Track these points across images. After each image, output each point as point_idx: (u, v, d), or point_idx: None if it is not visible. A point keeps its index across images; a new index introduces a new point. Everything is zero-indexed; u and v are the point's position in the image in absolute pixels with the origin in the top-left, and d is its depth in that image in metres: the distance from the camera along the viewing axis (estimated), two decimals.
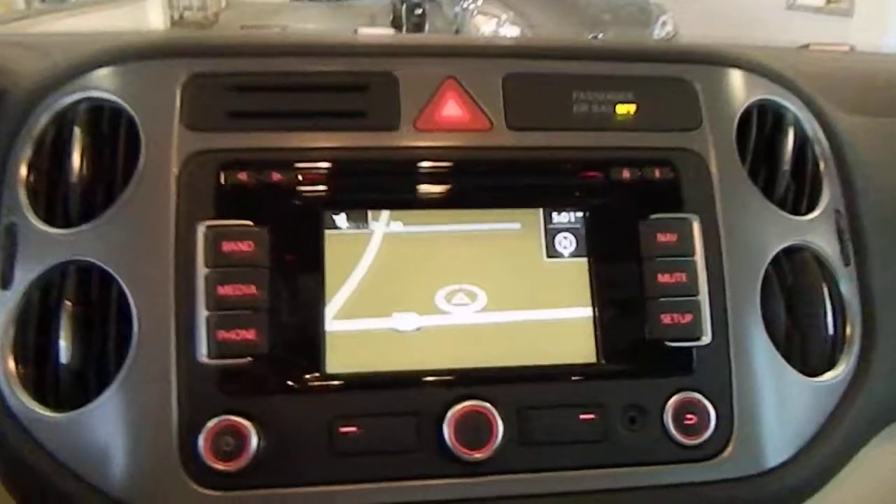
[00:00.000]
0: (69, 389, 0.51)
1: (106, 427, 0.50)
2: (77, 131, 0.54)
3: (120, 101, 0.55)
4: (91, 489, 0.50)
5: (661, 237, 0.56)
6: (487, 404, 0.52)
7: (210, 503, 0.50)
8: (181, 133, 0.54)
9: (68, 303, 0.52)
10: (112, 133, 0.55)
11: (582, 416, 0.54)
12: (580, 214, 0.58)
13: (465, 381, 0.53)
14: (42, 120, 0.55)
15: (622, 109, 0.59)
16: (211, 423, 0.49)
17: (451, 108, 0.58)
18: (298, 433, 0.51)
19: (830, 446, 0.57)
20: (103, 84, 0.56)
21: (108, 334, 0.52)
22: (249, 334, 0.51)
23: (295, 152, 0.55)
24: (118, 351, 0.51)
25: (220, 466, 0.49)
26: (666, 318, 0.55)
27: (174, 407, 0.50)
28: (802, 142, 0.63)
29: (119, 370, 0.51)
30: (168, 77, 0.56)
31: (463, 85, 0.58)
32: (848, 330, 0.60)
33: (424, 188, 0.57)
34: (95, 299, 0.52)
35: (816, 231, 0.61)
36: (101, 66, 0.56)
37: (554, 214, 0.57)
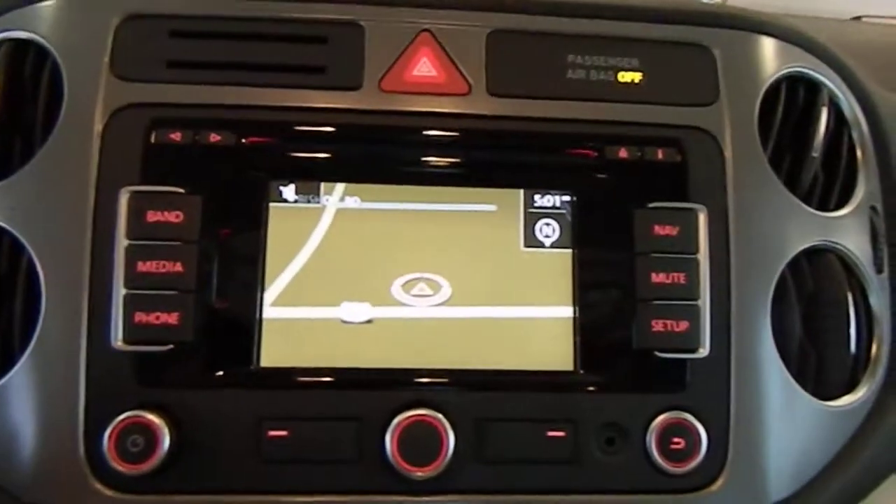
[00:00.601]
0: None
1: (6, 411, 0.45)
2: None
3: (44, 41, 0.48)
4: None
5: (660, 229, 0.48)
6: (439, 415, 0.45)
7: None
8: (109, 82, 0.48)
9: None
10: (34, 79, 0.48)
11: (550, 433, 0.46)
12: (566, 198, 0.50)
13: (417, 385, 0.46)
14: None
15: (625, 78, 0.51)
16: (118, 420, 0.43)
17: (424, 67, 0.50)
18: (221, 434, 0.45)
19: (842, 481, 0.49)
20: (27, 23, 0.49)
21: (15, 309, 0.46)
22: (171, 318, 0.45)
23: (238, 110, 0.48)
24: (25, 328, 0.45)
25: (124, 469, 0.43)
26: (658, 325, 0.47)
27: (82, 397, 0.44)
28: (838, 124, 0.54)
29: (24, 350, 0.45)
30: (99, 17, 0.49)
31: (439, 40, 0.50)
32: (874, 348, 0.51)
33: (387, 160, 0.49)
34: (3, 268, 0.46)
35: (846, 230, 0.52)
36: (26, 3, 0.49)
37: (536, 197, 0.50)
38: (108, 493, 0.44)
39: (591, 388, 0.47)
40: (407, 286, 0.48)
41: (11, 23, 0.49)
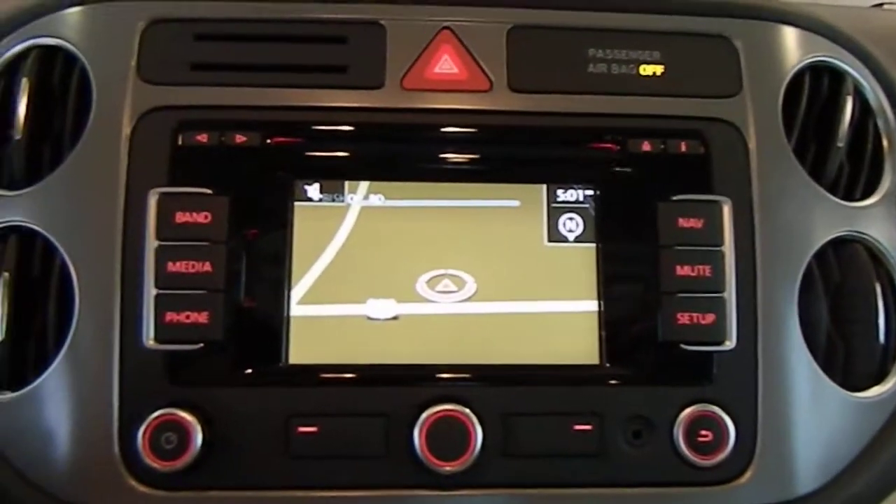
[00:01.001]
0: (6, 369, 0.46)
1: (42, 411, 0.46)
2: (25, 82, 0.49)
3: (72, 47, 0.49)
4: (23, 480, 0.45)
5: (684, 222, 0.48)
6: (466, 410, 0.45)
7: (150, 503, 0.45)
8: (136, 86, 0.48)
9: (6, 274, 0.46)
10: (63, 85, 0.49)
11: (576, 427, 0.46)
12: (589, 192, 0.50)
13: (444, 381, 0.47)
14: None
15: (646, 70, 0.51)
16: (152, 417, 0.44)
17: (445, 65, 0.50)
18: (251, 431, 0.46)
19: (872, 473, 0.49)
20: (55, 29, 0.50)
21: (49, 310, 0.46)
22: (201, 317, 0.45)
23: (263, 111, 0.49)
24: (59, 328, 0.46)
25: (158, 466, 0.43)
26: (683, 318, 0.47)
27: (115, 396, 0.45)
28: (863, 113, 0.53)
29: (59, 351, 0.46)
30: (125, 22, 0.49)
31: (460, 37, 0.50)
32: None
33: (410, 157, 0.50)
34: (37, 270, 0.47)
35: (873, 220, 0.51)
36: (53, 9, 0.50)
37: (559, 191, 0.50)
38: (143, 489, 0.45)
39: (617, 382, 0.47)
40: (432, 283, 0.48)
41: (39, 30, 0.50)
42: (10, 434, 0.46)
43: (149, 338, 0.45)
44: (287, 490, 0.45)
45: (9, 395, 0.46)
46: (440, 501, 0.46)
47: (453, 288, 0.48)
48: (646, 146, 0.49)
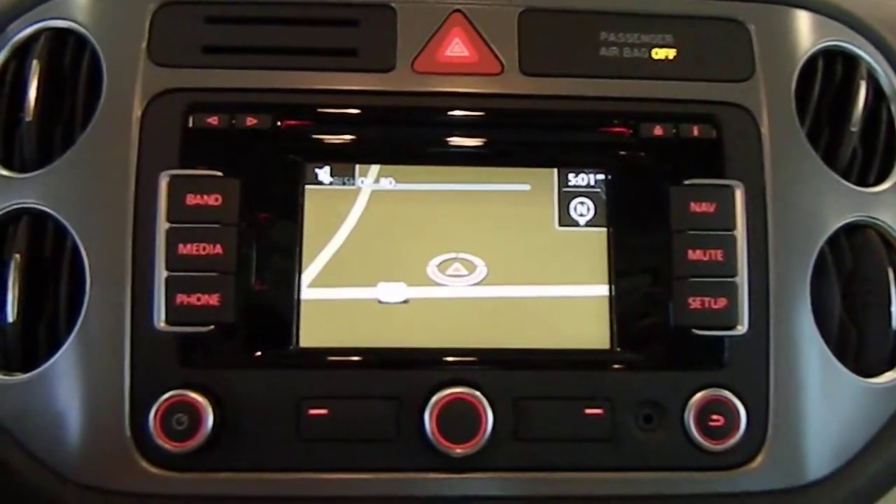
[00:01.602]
0: (17, 351, 0.46)
1: (54, 392, 0.46)
2: (35, 65, 0.49)
3: (83, 29, 0.49)
4: (35, 461, 0.45)
5: (696, 206, 0.48)
6: (477, 393, 0.45)
7: (162, 484, 0.45)
8: (147, 68, 0.48)
9: (17, 255, 0.46)
10: (74, 67, 0.49)
11: (588, 411, 0.46)
12: (601, 177, 0.50)
13: (455, 364, 0.47)
14: (0, 54, 0.50)
15: (658, 54, 0.50)
16: (163, 399, 0.44)
17: (457, 48, 0.50)
18: (262, 413, 0.46)
19: (882, 461, 0.48)
20: (66, 12, 0.50)
21: (60, 292, 0.46)
22: (212, 299, 0.45)
23: (274, 94, 0.48)
24: (70, 311, 0.46)
25: (169, 447, 0.44)
26: (695, 302, 0.47)
27: (126, 377, 0.45)
28: (877, 98, 0.53)
29: (70, 333, 0.46)
30: (136, 4, 0.49)
31: (471, 20, 0.50)
32: None
33: (420, 140, 0.49)
34: (48, 252, 0.47)
35: (886, 206, 0.51)
36: None
37: (570, 176, 0.49)
38: (154, 471, 0.45)
39: (628, 366, 0.47)
40: (442, 266, 0.48)
41: (49, 12, 0.50)
42: (21, 415, 0.46)
43: (160, 320, 0.45)
44: (297, 472, 0.45)
45: (20, 377, 0.46)
46: (451, 485, 0.46)
47: (464, 272, 0.48)
48: (658, 130, 0.49)
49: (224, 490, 0.45)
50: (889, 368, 0.50)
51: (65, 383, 0.46)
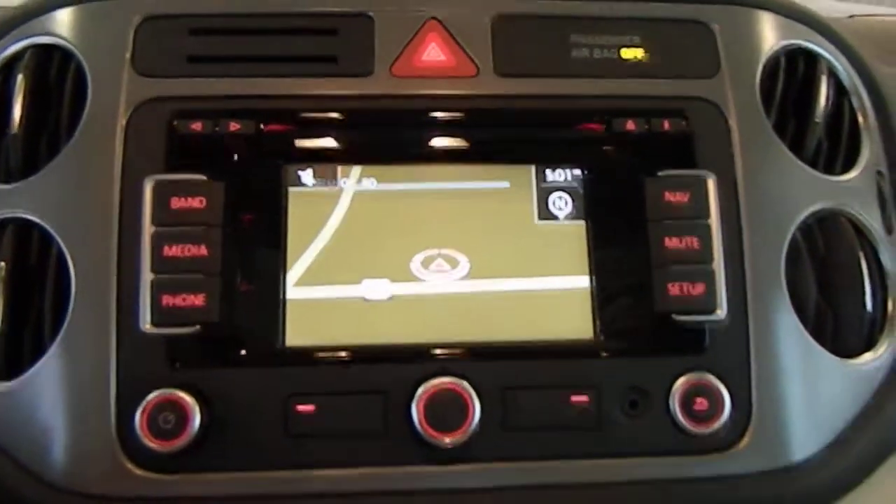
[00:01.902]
0: (2, 359, 0.46)
1: (39, 399, 0.45)
2: (21, 79, 0.50)
3: (68, 44, 0.50)
4: (21, 469, 0.45)
5: (671, 196, 0.49)
6: (463, 382, 0.45)
7: (150, 487, 0.44)
8: (131, 78, 0.49)
9: (3, 264, 0.47)
10: (59, 80, 0.50)
11: (574, 399, 0.47)
12: (577, 172, 0.51)
13: (441, 357, 0.47)
14: None
15: (627, 54, 0.52)
16: (149, 398, 0.44)
17: (433, 52, 0.51)
18: (250, 411, 0.46)
19: (866, 440, 0.49)
20: (51, 28, 0.51)
21: (45, 299, 0.47)
22: (198, 300, 0.46)
23: (257, 100, 0.50)
24: (56, 317, 0.46)
25: (156, 446, 0.43)
26: (674, 289, 0.48)
27: (112, 380, 0.45)
28: (839, 93, 0.55)
29: (55, 338, 0.46)
30: (120, 18, 0.51)
31: (446, 27, 0.52)
32: (890, 306, 0.51)
33: (401, 141, 0.51)
34: (34, 260, 0.47)
35: (854, 194, 0.53)
36: (48, 9, 0.51)
37: (547, 172, 0.51)
38: (142, 473, 0.44)
39: (611, 354, 0.48)
40: (426, 262, 0.49)
41: (35, 29, 0.51)
42: (6, 424, 0.45)
43: (146, 322, 0.45)
44: (286, 470, 0.45)
45: (4, 385, 0.46)
46: (440, 477, 0.46)
47: (447, 267, 0.49)
48: (630, 125, 0.51)
49: (212, 491, 0.45)
50: (866, 350, 0.51)
51: (50, 389, 0.45)
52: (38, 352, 0.46)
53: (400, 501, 0.46)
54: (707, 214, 0.49)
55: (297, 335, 0.47)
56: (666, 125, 0.51)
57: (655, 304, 0.48)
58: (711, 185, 0.50)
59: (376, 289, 0.48)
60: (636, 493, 0.46)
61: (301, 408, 0.46)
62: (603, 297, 0.49)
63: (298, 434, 0.45)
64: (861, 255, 0.52)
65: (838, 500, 0.49)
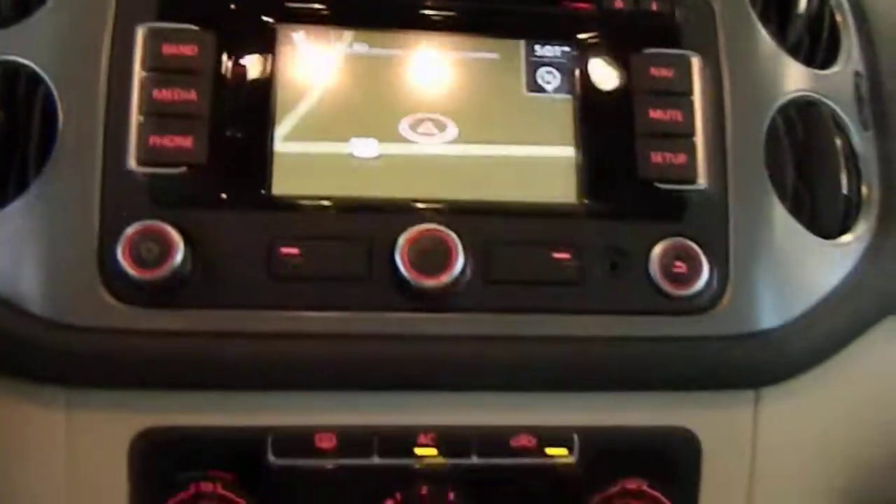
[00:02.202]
0: None
1: (20, 233, 0.45)
2: None
3: None
4: (3, 301, 0.44)
5: (656, 71, 0.50)
6: (448, 230, 0.46)
7: (128, 319, 0.44)
8: None
9: None
10: None
11: (556, 255, 0.47)
12: (567, 48, 0.52)
13: (426, 211, 0.47)
14: None
15: None
16: (133, 227, 0.44)
17: None
18: (233, 253, 0.45)
19: (841, 313, 0.50)
20: None
21: (31, 137, 0.46)
22: (185, 141, 0.46)
23: None
24: (41, 159, 0.46)
25: (136, 274, 0.43)
26: (657, 157, 0.49)
27: (96, 213, 0.45)
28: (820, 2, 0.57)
29: (39, 173, 0.46)
30: None
31: None
32: (864, 190, 0.53)
33: (394, 8, 0.51)
34: (21, 100, 0.47)
35: (832, 87, 0.54)
36: None
37: (537, 47, 0.52)
38: (119, 304, 0.44)
39: (594, 216, 0.49)
40: (414, 125, 0.49)
41: None
42: None
43: (132, 160, 0.45)
44: (268, 310, 0.45)
45: None
46: (420, 323, 0.46)
47: (435, 131, 0.49)
48: (619, 3, 0.52)
49: (191, 325, 0.44)
50: (843, 232, 0.52)
51: (31, 223, 0.45)
52: (23, 188, 0.46)
53: (380, 345, 0.46)
54: (690, 91, 0.50)
55: (283, 185, 0.47)
56: (654, 5, 0.52)
57: (638, 172, 0.49)
58: (696, 63, 0.51)
59: (364, 147, 0.49)
60: (613, 348, 0.47)
61: (285, 251, 0.46)
62: (587, 166, 0.49)
63: (282, 277, 0.45)
64: (839, 141, 0.53)
65: (811, 368, 0.50)
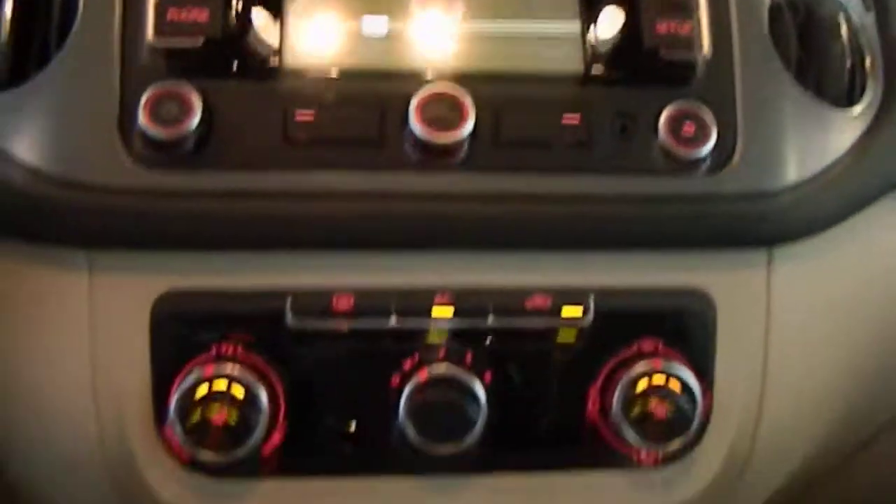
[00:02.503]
0: (6, 69, 0.47)
1: (42, 103, 0.46)
2: None
3: None
4: (17, 165, 0.45)
5: None
6: (460, 88, 0.47)
7: (147, 178, 0.45)
8: None
9: None
10: None
11: (565, 117, 0.48)
12: None
13: (438, 77, 0.48)
14: None
15: None
16: (154, 88, 0.45)
17: None
18: (249, 118, 0.47)
19: (847, 181, 0.51)
20: None
21: (52, 12, 0.48)
22: (202, 15, 0.47)
23: None
24: (62, 34, 0.47)
25: (157, 132, 0.44)
26: (662, 27, 0.50)
27: (116, 81, 0.46)
28: None
29: (60, 49, 0.47)
30: None
31: None
32: (868, 62, 0.54)
33: None
34: None
35: None
36: None
37: None
38: (134, 164, 0.45)
39: (602, 83, 0.49)
40: (423, 2, 0.50)
41: None
42: (11, 127, 0.46)
43: (150, 33, 0.47)
44: (285, 171, 0.46)
45: (9, 91, 0.47)
46: (430, 181, 0.47)
47: (444, 8, 0.50)
48: None
49: (210, 185, 0.45)
50: (847, 105, 0.53)
51: (54, 94, 0.46)
52: (45, 62, 0.47)
53: (393, 203, 0.46)
54: None
55: (296, 57, 0.48)
56: None
57: (644, 42, 0.50)
58: None
59: (374, 24, 0.50)
60: (624, 206, 0.48)
61: (300, 115, 0.47)
62: (594, 38, 0.50)
63: (297, 140, 0.46)
64: (841, 15, 0.54)
65: (822, 229, 0.50)
